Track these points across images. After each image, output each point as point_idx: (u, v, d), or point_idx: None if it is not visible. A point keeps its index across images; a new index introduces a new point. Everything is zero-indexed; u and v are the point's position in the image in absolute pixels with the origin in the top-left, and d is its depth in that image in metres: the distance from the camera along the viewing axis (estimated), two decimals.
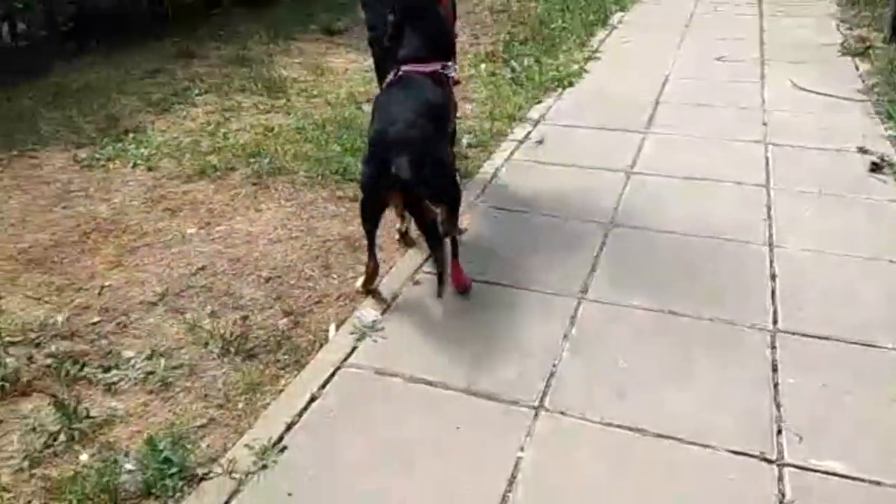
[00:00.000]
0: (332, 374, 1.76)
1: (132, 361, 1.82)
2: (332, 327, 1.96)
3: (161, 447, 1.51)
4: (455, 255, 2.10)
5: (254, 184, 2.75)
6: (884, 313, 1.93)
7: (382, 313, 2.00)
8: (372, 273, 2.11)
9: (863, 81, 3.68)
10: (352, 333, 1.91)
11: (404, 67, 2.18)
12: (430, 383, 1.72)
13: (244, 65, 4.19)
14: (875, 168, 2.72)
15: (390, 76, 2.22)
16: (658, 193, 2.63)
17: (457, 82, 2.45)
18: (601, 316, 1.96)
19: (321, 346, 1.89)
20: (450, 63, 2.27)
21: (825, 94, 3.49)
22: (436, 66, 2.20)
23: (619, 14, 5.31)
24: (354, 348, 1.85)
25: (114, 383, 1.75)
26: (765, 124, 3.18)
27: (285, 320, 2.00)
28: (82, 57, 4.33)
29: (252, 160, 2.90)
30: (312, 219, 2.52)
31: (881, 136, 3.02)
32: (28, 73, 3.99)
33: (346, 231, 2.44)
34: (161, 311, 2.03)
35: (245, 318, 2.00)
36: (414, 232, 2.29)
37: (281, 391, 1.73)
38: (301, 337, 1.93)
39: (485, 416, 1.62)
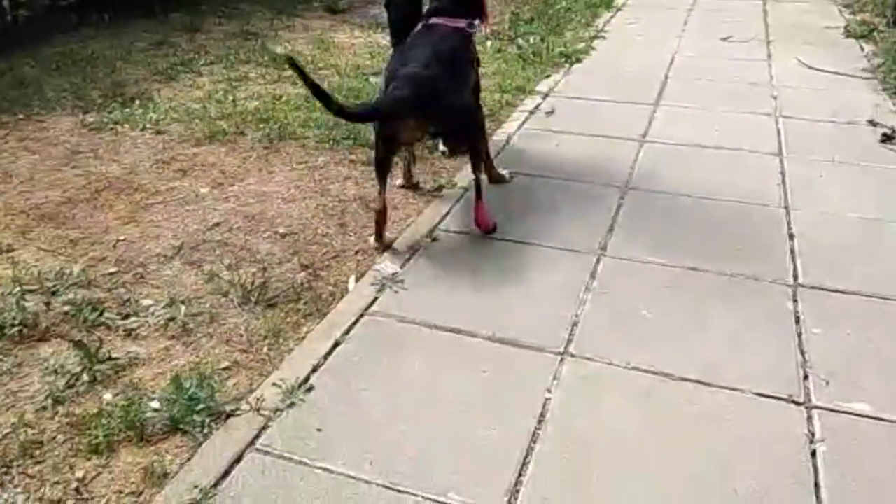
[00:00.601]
0: (356, 322, 1.74)
1: (151, 309, 1.81)
2: (352, 279, 1.95)
3: (187, 386, 1.50)
4: (479, 196, 2.13)
5: (265, 147, 2.73)
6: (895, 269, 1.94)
7: (402, 266, 1.98)
8: (381, 218, 2.10)
9: (868, 61, 3.70)
10: (372, 285, 1.90)
11: (432, 19, 2.20)
12: (454, 330, 1.71)
13: (248, 39, 4.17)
14: (886, 139, 2.74)
15: (417, 27, 2.24)
16: (672, 160, 2.63)
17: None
18: (621, 271, 1.96)
19: (342, 296, 1.87)
20: (476, 21, 2.28)
21: (833, 73, 3.51)
22: (462, 23, 2.21)
23: None
24: (376, 298, 1.84)
25: (133, 329, 1.73)
26: (774, 97, 3.19)
27: (304, 274, 1.99)
28: (83, 30, 4.28)
29: (262, 125, 2.89)
30: (326, 180, 2.51)
31: (890, 110, 3.04)
32: (29, 45, 3.94)
33: (361, 192, 2.43)
34: (178, 264, 2.01)
35: (264, 269, 1.98)
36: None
37: (304, 338, 1.71)
38: (321, 289, 1.92)
39: (511, 362, 1.62)
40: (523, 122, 3.03)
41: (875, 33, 4.10)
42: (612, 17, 4.78)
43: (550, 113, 3.14)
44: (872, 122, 2.87)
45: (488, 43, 4.20)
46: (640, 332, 1.71)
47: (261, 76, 3.54)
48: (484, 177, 2.23)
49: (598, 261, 2.01)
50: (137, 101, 3.15)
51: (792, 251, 2.03)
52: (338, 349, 1.65)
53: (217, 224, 2.22)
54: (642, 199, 2.36)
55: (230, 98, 3.19)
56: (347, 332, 1.71)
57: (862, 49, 3.91)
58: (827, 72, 3.51)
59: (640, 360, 1.60)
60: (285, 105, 3.11)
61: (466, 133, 2.17)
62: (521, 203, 2.34)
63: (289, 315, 1.80)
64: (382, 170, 2.09)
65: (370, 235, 2.16)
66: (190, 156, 2.67)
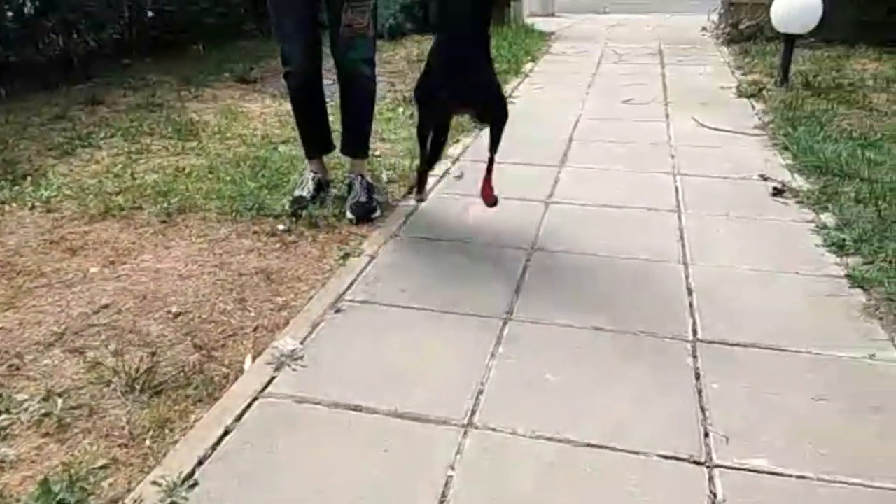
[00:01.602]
0: (249, 406, 1.65)
1: (25, 404, 1.66)
2: (248, 359, 1.86)
3: (56, 490, 1.36)
4: (490, 171, 2.42)
5: (162, 222, 2.63)
6: (792, 320, 1.99)
7: (302, 342, 1.91)
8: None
9: (759, 119, 3.91)
10: (269, 364, 1.81)
11: None
12: (355, 408, 1.64)
13: (153, 110, 4.09)
14: (777, 192, 2.87)
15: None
16: (576, 220, 2.68)
17: None
18: (527, 334, 1.94)
19: (236, 378, 1.78)
20: None
21: (726, 131, 3.69)
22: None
23: (531, 64, 5.51)
24: (273, 378, 1.75)
25: (4, 428, 1.59)
26: (672, 156, 3.32)
27: (197, 355, 1.88)
28: None
29: (161, 199, 2.79)
30: (226, 254, 2.42)
31: (780, 165, 3.19)
32: None
33: (263, 264, 2.35)
34: (59, 352, 1.87)
35: (152, 353, 1.87)
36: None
37: (191, 427, 1.60)
38: (214, 371, 1.82)
39: (413, 438, 1.55)
40: (432, 188, 3.03)
41: (764, 92, 4.36)
42: (520, 83, 4.93)
43: (459, 177, 3.16)
44: (764, 177, 3.01)
45: (400, 109, 4.25)
46: (546, 398, 1.68)
47: (164, 148, 3.45)
48: None
49: (504, 325, 1.99)
50: (29, 179, 3.01)
51: (691, 306, 2.06)
52: (228, 437, 1.55)
53: (105, 306, 2.09)
54: (548, 260, 2.37)
55: (129, 172, 3.08)
56: (239, 417, 1.61)
57: (753, 107, 4.14)
58: (721, 130, 3.69)
59: (544, 428, 1.57)
60: (187, 177, 3.03)
61: (501, 117, 2.43)
62: (429, 270, 2.32)
63: (177, 402, 1.69)
64: (426, 131, 2.44)
65: (271, 311, 2.09)
66: (81, 234, 2.54)
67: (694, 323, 1.97)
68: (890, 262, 2.23)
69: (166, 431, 1.59)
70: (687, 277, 2.22)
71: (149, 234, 2.55)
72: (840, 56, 5.28)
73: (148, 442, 1.56)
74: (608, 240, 2.49)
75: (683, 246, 2.43)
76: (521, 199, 2.87)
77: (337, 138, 2.93)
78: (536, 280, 2.24)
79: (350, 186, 2.79)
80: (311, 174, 2.85)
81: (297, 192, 2.79)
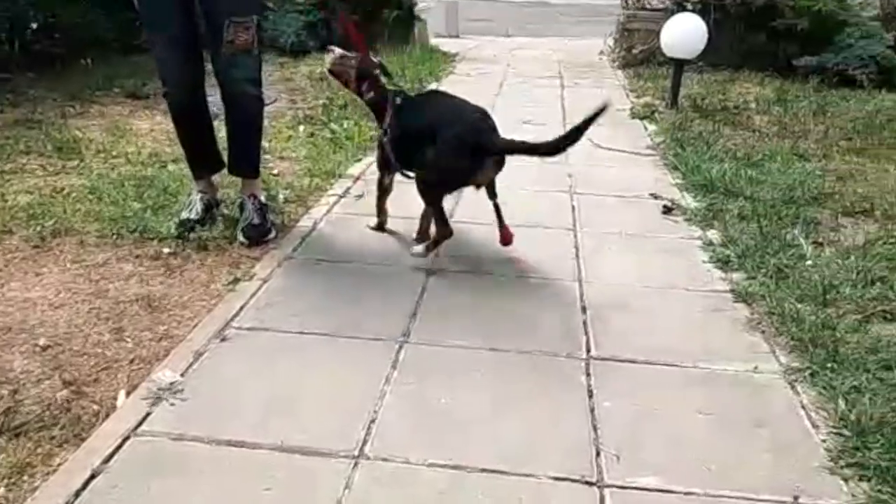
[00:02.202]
0: (119, 445, 1.52)
1: None
2: (122, 394, 1.73)
3: None
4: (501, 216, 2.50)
5: (34, 247, 2.44)
6: (681, 336, 2.04)
7: (182, 374, 1.79)
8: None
9: (651, 140, 4.06)
10: (145, 399, 1.69)
11: None
12: (237, 444, 1.54)
13: (32, 127, 3.81)
14: (667, 211, 2.96)
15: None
16: (476, 239, 2.67)
17: None
18: (423, 358, 1.90)
19: (107, 415, 1.64)
20: None
21: (620, 151, 3.80)
22: None
23: (434, 84, 5.53)
24: (148, 414, 1.63)
25: None
26: (570, 176, 3.38)
27: (65, 391, 1.73)
28: None
29: (33, 222, 2.59)
30: (104, 280, 2.26)
31: (670, 184, 3.31)
32: None
33: (144, 290, 2.21)
34: None
35: (14, 391, 1.71)
36: None
37: (54, 471, 1.46)
38: (84, 409, 1.67)
39: (299, 473, 1.47)
40: (332, 207, 2.97)
41: (656, 114, 4.54)
42: None
43: (360, 196, 3.11)
44: (655, 196, 3.11)
45: (301, 127, 4.16)
46: (441, 424, 1.64)
47: (41, 167, 3.22)
48: None
49: (400, 349, 1.94)
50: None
51: (585, 324, 2.08)
52: (94, 481, 1.42)
53: None
54: (446, 281, 2.34)
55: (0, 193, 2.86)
56: (108, 458, 1.48)
57: (645, 128, 4.30)
58: (615, 150, 3.80)
59: (437, 455, 1.52)
60: (65, 198, 2.83)
61: None
62: (324, 293, 2.25)
63: (40, 444, 1.54)
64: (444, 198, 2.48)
65: (150, 340, 1.96)
66: None
67: (588, 341, 1.99)
68: (771, 277, 2.33)
69: (26, 477, 1.45)
70: (581, 295, 2.25)
71: (18, 259, 2.35)
72: (726, 80, 5.58)
73: (3, 490, 1.41)
74: (506, 259, 2.50)
75: (578, 265, 2.46)
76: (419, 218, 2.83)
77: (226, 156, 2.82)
78: (434, 302, 2.20)
79: (241, 207, 2.68)
80: (199, 195, 2.72)
81: (183, 214, 2.65)
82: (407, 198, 2.83)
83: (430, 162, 2.38)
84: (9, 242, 2.47)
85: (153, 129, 3.99)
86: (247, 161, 2.71)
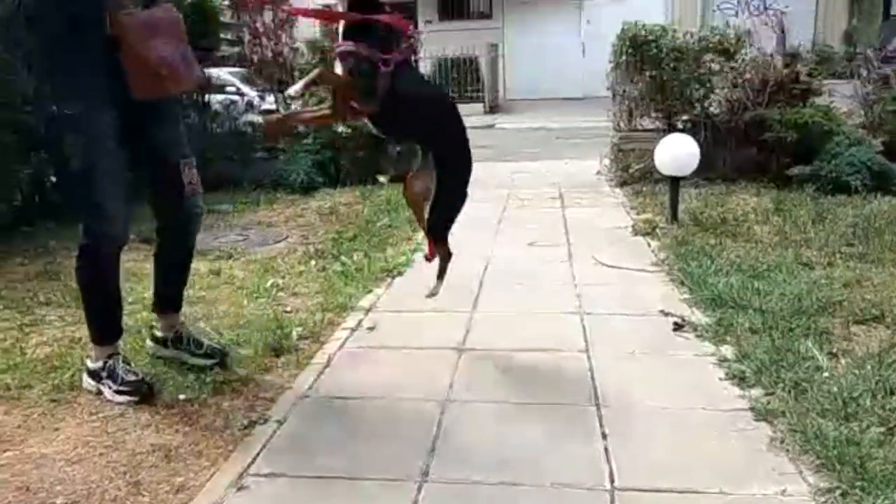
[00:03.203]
0: None
1: None
2: None
3: None
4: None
5: (52, 401, 2.46)
6: (703, 459, 2.01)
7: None
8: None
9: (655, 255, 4.13)
10: None
11: None
12: None
13: (52, 278, 3.93)
14: (677, 328, 2.98)
15: None
16: (490, 368, 2.68)
17: None
18: (445, 497, 1.87)
19: None
20: None
21: (625, 268, 3.87)
22: None
23: None
24: None
25: None
26: (578, 296, 3.42)
27: None
28: None
29: (52, 374, 2.62)
30: (120, 431, 2.27)
31: (678, 299, 3.34)
32: None
33: (161, 440, 2.21)
34: None
35: None
36: None
37: None
38: None
39: None
40: (345, 342, 3.00)
41: (657, 230, 4.64)
42: None
43: (372, 329, 3.14)
44: (664, 313, 3.13)
45: (312, 262, 4.27)
46: None
47: (59, 318, 3.29)
48: None
49: (419, 488, 1.91)
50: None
51: (606, 451, 2.05)
52: None
53: None
54: (462, 415, 2.33)
55: (19, 347, 2.91)
56: None
57: (648, 245, 4.38)
58: (620, 268, 3.86)
59: None
60: (83, 348, 2.87)
61: None
62: (342, 431, 2.24)
63: None
64: None
65: (167, 493, 1.94)
66: None
67: (611, 471, 1.95)
68: (789, 392, 2.31)
69: None
70: (600, 420, 2.23)
71: (36, 415, 2.36)
72: (723, 193, 5.72)
73: None
74: (522, 387, 2.50)
75: (595, 388, 2.45)
76: (433, 348, 2.86)
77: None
78: (452, 436, 2.19)
79: (188, 339, 2.72)
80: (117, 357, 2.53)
81: (128, 377, 2.47)
82: (404, 331, 2.88)
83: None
84: (28, 396, 2.50)
85: None
86: (181, 297, 2.82)
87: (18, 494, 1.94)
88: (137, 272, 4.04)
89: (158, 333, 2.79)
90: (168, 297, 2.79)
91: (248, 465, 2.05)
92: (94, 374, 2.52)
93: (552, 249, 4.37)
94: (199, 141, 7.12)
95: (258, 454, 2.11)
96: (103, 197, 2.34)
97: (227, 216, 5.78)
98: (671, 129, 6.16)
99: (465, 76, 15.24)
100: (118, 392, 2.45)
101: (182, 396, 2.48)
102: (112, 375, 2.47)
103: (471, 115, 14.45)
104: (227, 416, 2.37)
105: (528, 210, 5.66)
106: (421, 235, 4.89)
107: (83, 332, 3.07)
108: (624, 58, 6.43)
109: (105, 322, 2.57)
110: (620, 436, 2.14)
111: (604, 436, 2.14)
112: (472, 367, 2.69)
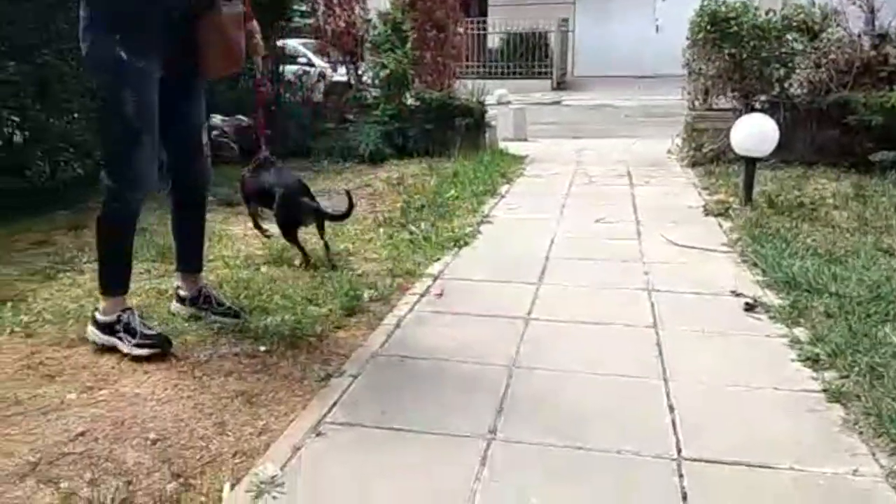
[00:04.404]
0: None
1: None
2: (227, 486, 1.81)
3: None
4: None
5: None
6: (773, 437, 2.00)
7: (283, 468, 1.87)
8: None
9: (727, 237, 4.06)
10: (248, 491, 1.77)
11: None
12: None
13: (137, 234, 4.12)
14: (749, 308, 2.95)
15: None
16: (556, 336, 2.72)
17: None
18: (511, 455, 1.93)
19: None
20: None
21: (696, 248, 3.82)
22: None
23: (506, 186, 5.73)
24: None
25: None
26: (646, 273, 3.41)
27: (174, 483, 1.83)
28: None
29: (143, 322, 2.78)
30: (206, 376, 2.40)
31: (750, 281, 3.29)
32: None
33: (243, 387, 2.33)
34: (32, 483, 1.81)
35: (128, 483, 1.82)
36: None
37: None
38: (192, 500, 1.77)
39: None
40: (413, 306, 3.08)
41: (730, 211, 4.55)
42: (496, 203, 5.11)
43: (440, 295, 3.21)
44: (735, 293, 3.10)
45: (381, 230, 4.36)
46: None
47: (146, 270, 3.48)
48: None
49: (488, 445, 1.97)
50: (9, 304, 3.00)
51: (673, 423, 2.07)
52: None
53: (81, 434, 2.05)
54: (529, 378, 2.38)
55: None
56: None
57: (720, 226, 4.31)
58: (690, 247, 3.82)
59: None
60: (169, 299, 3.04)
61: None
62: (412, 390, 2.32)
63: None
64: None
65: (251, 434, 2.06)
66: (60, 359, 2.52)
67: (678, 441, 1.97)
68: (864, 376, 2.27)
69: None
70: (668, 394, 2.24)
71: (128, 358, 2.52)
72: (800, 176, 5.57)
73: None
74: (588, 357, 2.52)
75: (662, 362, 2.46)
76: (501, 316, 2.91)
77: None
78: (518, 398, 2.24)
79: (211, 298, 2.86)
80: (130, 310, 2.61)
81: (147, 331, 2.56)
82: (472, 298, 2.93)
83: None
84: None
85: (246, 233, 4.26)
86: (202, 258, 2.98)
87: (115, 428, 2.09)
88: (219, 232, 4.23)
89: (182, 293, 2.90)
90: (189, 258, 2.92)
91: (325, 414, 2.15)
92: (105, 327, 2.56)
93: (620, 226, 4.35)
94: (272, 110, 7.36)
95: (334, 404, 2.21)
96: (141, 153, 2.44)
97: None
98: (748, 109, 6.00)
99: (533, 51, 15.08)
100: (138, 345, 2.50)
101: (262, 348, 2.61)
102: (129, 329, 2.53)
103: (537, 91, 14.38)
104: (305, 367, 2.48)
105: (595, 187, 5.62)
106: (486, 207, 4.96)
107: (167, 284, 3.26)
108: (702, 35, 6.27)
109: (122, 273, 2.64)
110: (688, 409, 2.15)
111: (671, 408, 2.16)
112: (539, 335, 2.73)
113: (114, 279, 2.63)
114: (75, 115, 4.92)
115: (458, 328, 2.83)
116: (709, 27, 6.19)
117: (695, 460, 1.88)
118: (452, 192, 5.37)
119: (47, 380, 2.38)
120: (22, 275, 3.40)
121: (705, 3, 6.35)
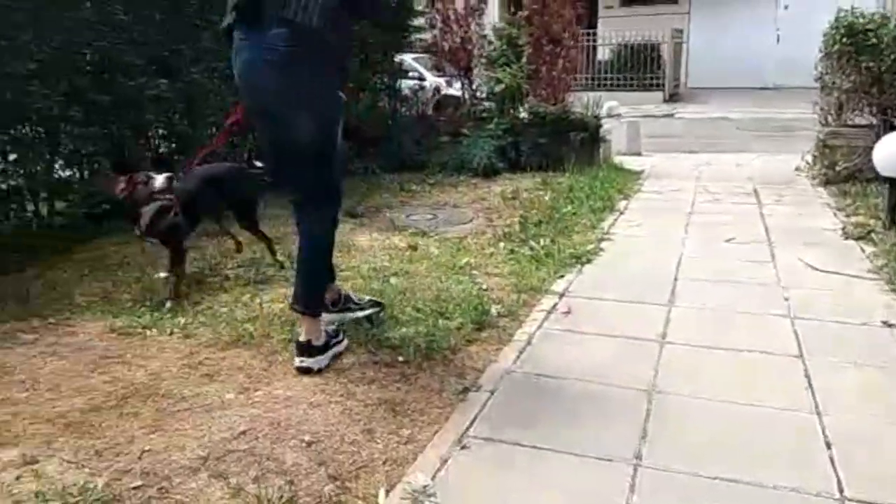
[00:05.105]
0: None
1: None
2: (382, 492, 1.89)
3: None
4: None
5: (290, 350, 2.76)
6: None
7: (432, 478, 1.93)
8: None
9: (871, 262, 3.83)
10: (404, 499, 1.84)
11: None
12: None
13: (277, 242, 4.36)
14: None
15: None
16: (695, 362, 2.65)
17: None
18: (661, 483, 1.90)
19: None
20: None
21: (838, 273, 3.63)
22: None
23: (624, 202, 5.64)
24: None
25: None
26: (786, 299, 3.27)
27: (331, 486, 1.93)
28: (117, 235, 4.50)
29: (287, 327, 2.94)
30: (351, 383, 2.51)
31: None
32: (64, 249, 4.14)
33: (386, 395, 2.43)
34: (204, 476, 1.96)
35: (290, 482, 1.93)
36: None
37: None
38: (349, 503, 1.85)
39: None
40: (542, 323, 3.09)
41: (873, 235, 4.29)
42: (615, 220, 5.04)
43: (567, 313, 3.21)
44: (887, 324, 2.92)
45: (501, 244, 4.40)
46: None
47: (284, 278, 3.66)
48: None
49: (635, 471, 1.96)
50: (166, 306, 3.24)
51: (831, 460, 1.98)
52: None
53: (243, 432, 2.19)
54: (670, 404, 2.34)
55: (256, 301, 3.28)
56: None
57: (862, 250, 4.07)
58: (833, 273, 3.63)
59: None
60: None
61: None
62: (551, 407, 2.34)
63: None
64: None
65: (398, 444, 2.14)
66: (216, 360, 2.70)
67: (839, 481, 1.89)
68: None
69: None
70: (823, 429, 2.15)
71: (279, 361, 2.67)
72: None
73: None
74: (733, 385, 2.45)
75: (813, 395, 2.36)
76: (633, 338, 2.88)
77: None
78: (663, 424, 2.21)
79: (350, 298, 3.03)
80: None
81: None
82: (601, 318, 2.90)
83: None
84: (268, 345, 2.83)
85: (371, 245, 4.41)
86: (333, 267, 3.06)
87: (272, 428, 2.22)
88: (346, 243, 4.39)
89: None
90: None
91: (467, 428, 2.20)
92: (323, 349, 2.65)
93: (752, 247, 4.19)
94: (389, 124, 7.59)
95: (475, 418, 2.26)
96: (334, 173, 2.71)
97: (416, 195, 6.08)
98: (887, 125, 5.64)
99: (644, 63, 14.77)
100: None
101: (400, 358, 2.70)
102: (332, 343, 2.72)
103: (648, 103, 14.06)
104: (442, 380, 2.55)
105: (719, 205, 5.44)
106: (606, 224, 4.90)
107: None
108: (836, 47, 5.96)
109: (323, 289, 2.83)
110: (847, 447, 2.05)
111: (828, 445, 2.07)
112: (676, 360, 2.68)
113: (321, 298, 2.80)
114: (215, 129, 5.24)
115: (590, 348, 2.82)
116: (844, 39, 5.88)
117: (859, 501, 1.80)
118: (570, 207, 5.34)
119: (207, 379, 2.56)
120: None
121: (840, 14, 6.05)
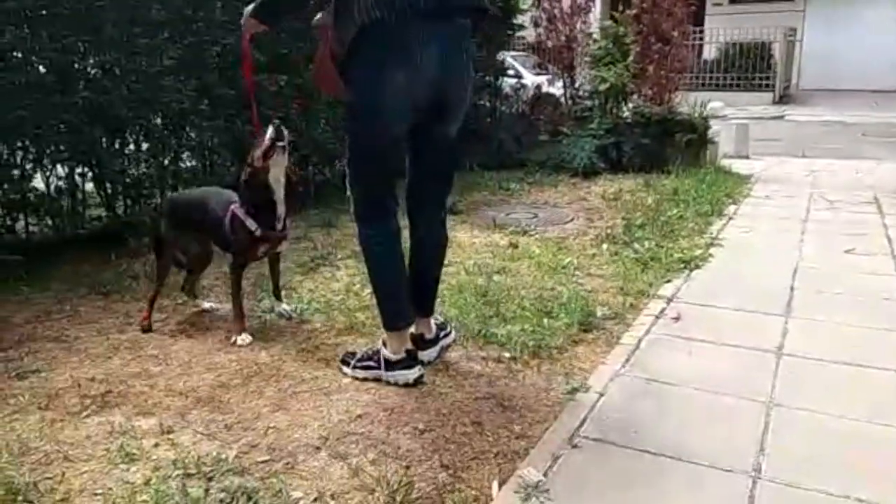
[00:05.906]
0: None
1: (301, 502, 1.83)
2: (495, 485, 1.93)
3: None
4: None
5: None
6: None
7: (545, 474, 1.95)
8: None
9: None
10: (517, 493, 1.87)
11: None
12: None
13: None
14: None
15: None
16: (816, 376, 2.55)
17: None
18: (781, 499, 1.85)
19: (486, 503, 1.85)
20: None
21: None
22: None
23: (733, 207, 5.45)
24: None
25: None
26: None
27: (445, 474, 1.99)
28: None
29: None
30: (459, 376, 2.57)
31: None
32: None
33: (494, 390, 2.46)
34: (325, 455, 2.06)
35: (406, 467, 2.00)
36: None
37: None
38: (465, 492, 1.90)
39: None
40: (650, 328, 3.04)
41: None
42: (724, 225, 4.88)
43: (677, 319, 3.15)
44: None
45: (604, 246, 4.36)
46: None
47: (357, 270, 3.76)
48: None
49: (753, 484, 1.91)
50: (283, 292, 3.40)
51: None
52: None
53: (359, 416, 2.28)
54: (790, 418, 2.26)
55: (366, 292, 3.39)
56: None
57: None
58: None
59: None
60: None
61: None
62: (662, 413, 2.31)
63: None
64: None
65: (508, 437, 2.17)
66: (332, 346, 2.82)
67: None
68: None
69: None
70: None
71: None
72: None
73: None
74: (855, 402, 2.34)
75: None
76: (748, 348, 2.79)
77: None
78: (782, 439, 2.14)
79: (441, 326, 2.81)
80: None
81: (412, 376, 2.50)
82: (712, 326, 2.82)
83: None
84: (380, 333, 2.90)
85: (474, 242, 4.47)
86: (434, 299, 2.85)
87: (388, 414, 2.30)
88: (448, 239, 4.45)
89: (428, 336, 2.70)
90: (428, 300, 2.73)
91: (578, 427, 2.21)
92: (430, 343, 2.67)
93: (875, 260, 3.97)
94: (489, 121, 7.62)
95: (585, 419, 2.26)
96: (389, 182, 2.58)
97: (515, 194, 6.10)
98: None
99: (753, 62, 14.18)
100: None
101: (507, 354, 2.73)
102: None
103: (756, 104, 13.49)
104: (549, 378, 2.56)
105: (837, 213, 5.18)
106: (714, 228, 4.76)
107: None
108: None
109: (401, 301, 2.56)
110: None
111: None
112: (795, 373, 2.58)
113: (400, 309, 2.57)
114: (326, 124, 5.44)
115: (701, 356, 2.76)
116: None
117: None
118: (675, 210, 5.22)
119: (323, 363, 2.67)
120: (290, 267, 3.83)
121: None
